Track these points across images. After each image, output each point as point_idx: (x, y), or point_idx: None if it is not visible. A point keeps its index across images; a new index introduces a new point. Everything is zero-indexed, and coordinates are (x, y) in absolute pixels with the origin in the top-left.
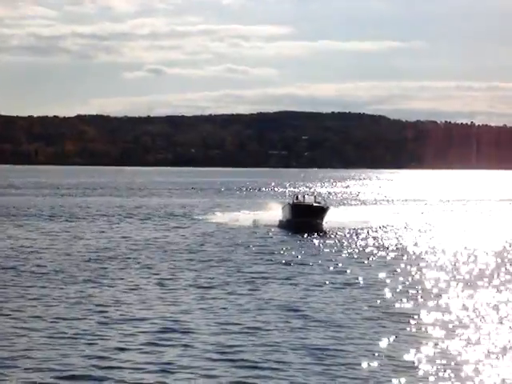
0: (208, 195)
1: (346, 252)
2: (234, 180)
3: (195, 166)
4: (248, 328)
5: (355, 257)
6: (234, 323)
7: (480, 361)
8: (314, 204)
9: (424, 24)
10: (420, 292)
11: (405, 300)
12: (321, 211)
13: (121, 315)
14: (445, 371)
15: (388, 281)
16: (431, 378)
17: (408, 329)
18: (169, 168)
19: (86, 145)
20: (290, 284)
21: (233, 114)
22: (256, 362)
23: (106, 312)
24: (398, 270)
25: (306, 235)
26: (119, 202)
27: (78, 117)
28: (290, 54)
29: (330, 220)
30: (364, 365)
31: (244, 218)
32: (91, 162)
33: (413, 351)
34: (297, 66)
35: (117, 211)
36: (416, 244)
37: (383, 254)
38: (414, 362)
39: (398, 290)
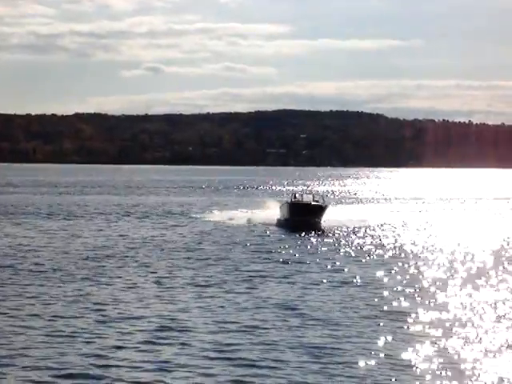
0: (206, 193)
1: (343, 250)
2: (232, 178)
3: (193, 164)
4: (245, 326)
5: (353, 255)
6: (232, 321)
7: (477, 359)
8: (313, 203)
9: (423, 23)
10: (417, 290)
11: (402, 298)
12: (319, 210)
13: (118, 313)
14: (442, 370)
15: (385, 279)
16: (428, 377)
17: (405, 327)
18: (166, 166)
19: (84, 143)
20: (288, 282)
21: (231, 113)
22: (253, 361)
23: (104, 310)
24: (396, 269)
25: (303, 234)
26: (117, 200)
27: (76, 115)
28: (289, 52)
29: (328, 218)
30: (361, 363)
31: (239, 216)
32: (89, 161)
33: (410, 350)
34: (295, 65)
35: (115, 209)
36: (414, 242)
37: (381, 252)
38: (411, 361)
39: (395, 289)
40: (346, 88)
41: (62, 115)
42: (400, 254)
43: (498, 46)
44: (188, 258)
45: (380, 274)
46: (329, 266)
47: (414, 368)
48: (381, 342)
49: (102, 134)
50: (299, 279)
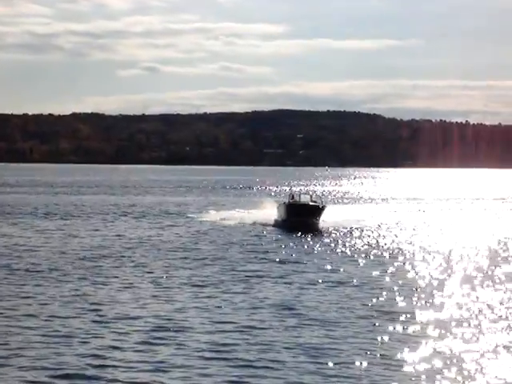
0: (203, 193)
1: (340, 250)
2: (229, 178)
3: (189, 164)
4: (242, 326)
5: (350, 255)
6: (229, 321)
7: (474, 359)
8: (310, 203)
9: (420, 23)
10: (414, 290)
11: (399, 298)
12: (317, 210)
13: (115, 313)
14: (438, 370)
15: (382, 279)
16: (424, 377)
17: (402, 327)
18: (163, 166)
19: (81, 143)
20: (285, 282)
21: (227, 113)
22: (250, 361)
23: (100, 310)
24: (393, 269)
25: (300, 234)
26: (114, 200)
27: (73, 115)
28: (286, 52)
29: (324, 219)
30: (358, 363)
31: (236, 216)
32: (86, 160)
33: (406, 350)
34: (292, 65)
35: (111, 209)
36: (411, 243)
37: (378, 252)
38: (407, 361)
39: (392, 289)
40: (343, 88)
41: (59, 115)
42: (397, 254)
43: (496, 46)
44: (185, 258)
45: (377, 274)
46: (325, 266)
47: (411, 368)
48: (377, 342)
49: (99, 133)
50: (296, 279)
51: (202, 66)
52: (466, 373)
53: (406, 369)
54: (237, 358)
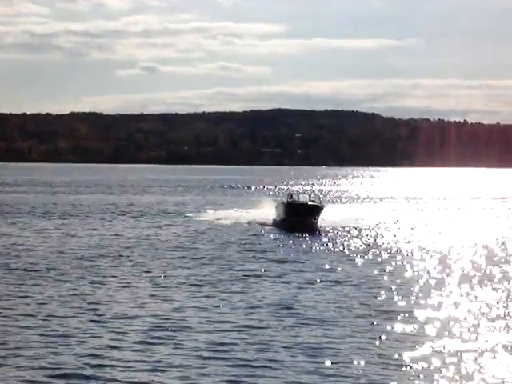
0: (201, 192)
1: (338, 250)
2: (227, 177)
3: (188, 163)
4: (240, 326)
5: (348, 255)
6: (227, 321)
7: (472, 359)
8: (309, 203)
9: (418, 22)
10: (412, 290)
11: (397, 298)
12: (316, 210)
13: (113, 313)
14: (436, 369)
15: (380, 278)
16: (422, 376)
17: (400, 326)
18: (162, 165)
19: (79, 142)
20: (283, 282)
21: (226, 112)
22: (248, 360)
23: (98, 310)
24: (391, 268)
25: (298, 233)
26: (112, 199)
27: (71, 114)
28: (284, 51)
29: (323, 218)
30: (356, 363)
31: (231, 215)
32: (84, 160)
33: (405, 349)
34: (291, 64)
35: (109, 209)
36: (409, 242)
37: (376, 251)
38: (405, 360)
39: (390, 288)
40: (342, 87)
41: (57, 114)
42: (395, 253)
43: (495, 45)
44: (183, 258)
45: (375, 273)
46: (324, 266)
47: (409, 367)
48: (375, 342)
49: (98, 133)
50: (294, 278)
51: (200, 65)
52: (463, 372)
53: (404, 368)
54: (235, 358)
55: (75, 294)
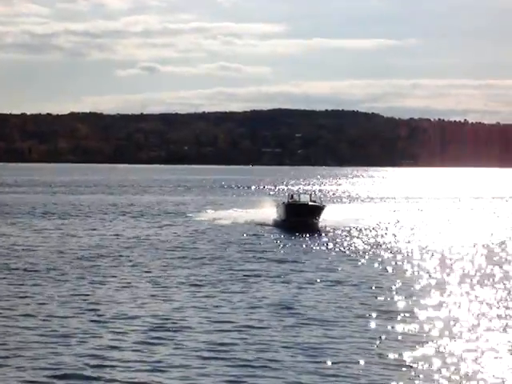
0: (201, 193)
1: (338, 250)
2: (228, 177)
3: (188, 163)
4: (240, 326)
5: (348, 254)
6: (227, 321)
7: (472, 358)
8: (310, 203)
9: (418, 22)
10: (413, 290)
11: (397, 298)
12: (317, 210)
13: (113, 313)
14: (437, 369)
15: (380, 278)
16: (423, 376)
17: (400, 327)
18: (162, 165)
19: (79, 142)
20: (283, 282)
21: (226, 112)
22: (248, 360)
23: (99, 310)
24: (391, 268)
25: (299, 233)
26: (112, 199)
27: (71, 114)
28: (284, 51)
29: (323, 218)
30: (356, 362)
31: (231, 216)
32: (84, 160)
33: (405, 349)
34: (291, 64)
35: (109, 209)
36: (409, 242)
37: (376, 251)
38: (405, 360)
39: (390, 288)
40: (342, 87)
41: (57, 114)
42: (395, 253)
43: (495, 45)
44: (183, 258)
45: (375, 273)
46: (324, 266)
47: (409, 367)
48: (375, 341)
49: (98, 133)
50: (294, 279)
51: (200, 65)
52: (464, 372)
53: (404, 368)
54: (235, 358)
55: (75, 294)
